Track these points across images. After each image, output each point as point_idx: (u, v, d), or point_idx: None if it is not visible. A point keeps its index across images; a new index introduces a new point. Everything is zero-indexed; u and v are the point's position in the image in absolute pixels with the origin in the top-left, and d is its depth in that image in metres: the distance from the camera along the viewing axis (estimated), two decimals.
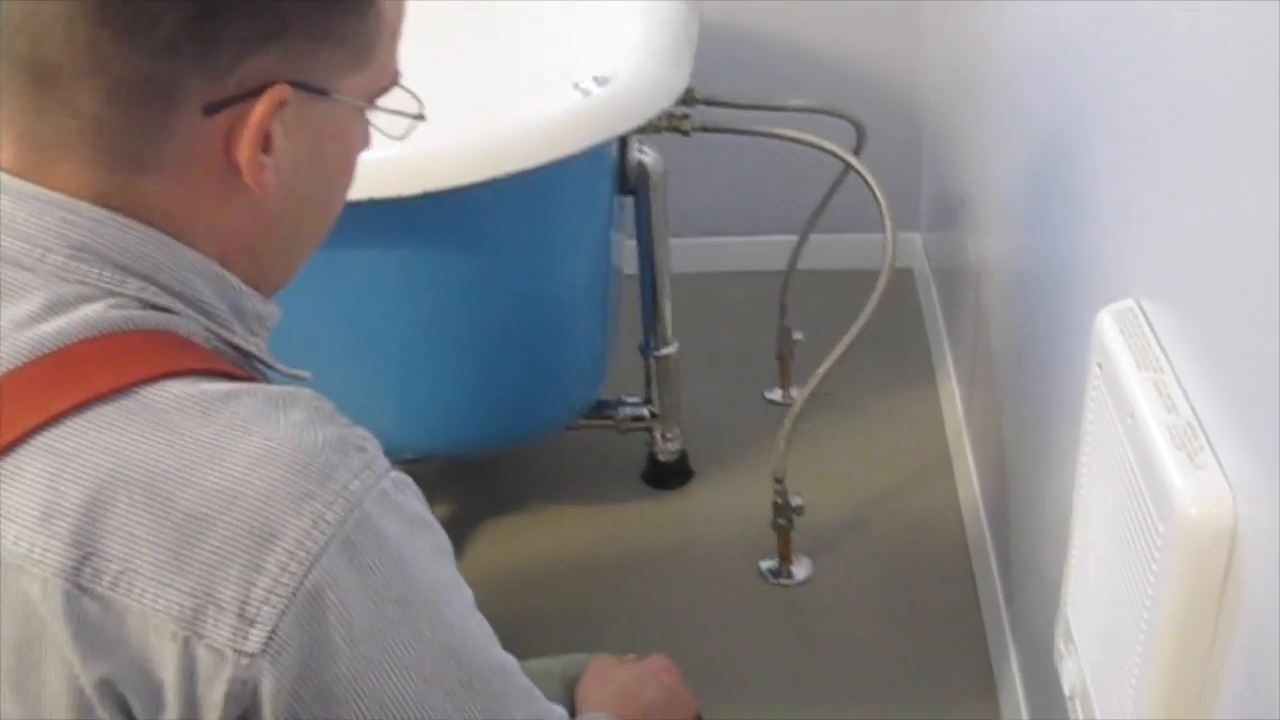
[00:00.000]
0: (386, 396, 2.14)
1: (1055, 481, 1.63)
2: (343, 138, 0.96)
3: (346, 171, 1.00)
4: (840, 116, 2.48)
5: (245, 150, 0.86)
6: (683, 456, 2.67)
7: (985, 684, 2.17)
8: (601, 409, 2.53)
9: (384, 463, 0.86)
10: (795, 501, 2.33)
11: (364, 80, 0.94)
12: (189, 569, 0.78)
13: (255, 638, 0.78)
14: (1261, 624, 0.91)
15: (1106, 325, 1.17)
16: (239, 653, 0.78)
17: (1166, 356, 1.09)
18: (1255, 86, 0.91)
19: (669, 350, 2.48)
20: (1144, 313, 1.16)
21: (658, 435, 2.60)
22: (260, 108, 0.85)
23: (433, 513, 2.66)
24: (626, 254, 2.41)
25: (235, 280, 0.93)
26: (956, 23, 2.66)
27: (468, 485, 2.70)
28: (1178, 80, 1.10)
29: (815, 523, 2.45)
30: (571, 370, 2.33)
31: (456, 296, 2.08)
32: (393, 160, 1.77)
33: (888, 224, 2.15)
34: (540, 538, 2.56)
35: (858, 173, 2.22)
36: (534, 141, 1.91)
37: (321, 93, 0.90)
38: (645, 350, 2.49)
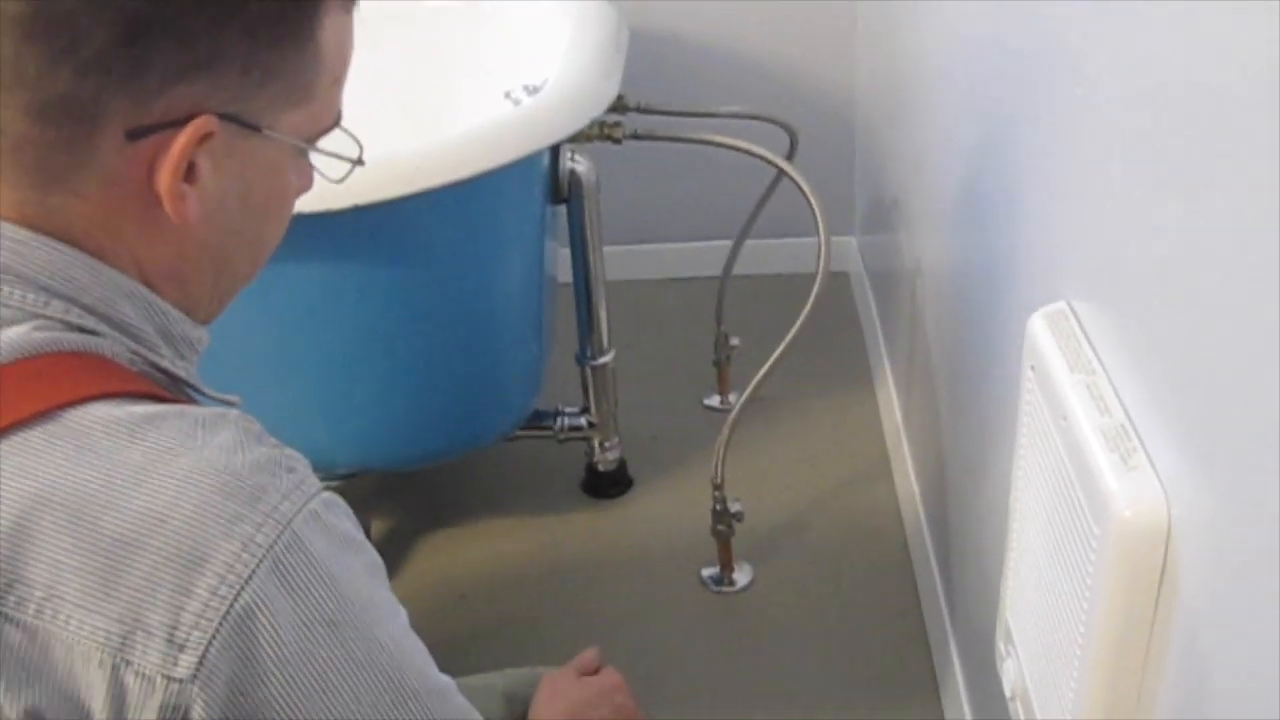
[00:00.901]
0: (322, 412, 2.13)
1: (993, 483, 1.63)
2: (275, 175, 0.94)
3: (279, 209, 0.98)
4: (772, 122, 2.49)
5: (165, 179, 0.85)
6: (622, 465, 2.67)
7: (928, 686, 2.17)
8: (539, 419, 2.51)
9: (314, 483, 0.85)
10: (735, 508, 2.33)
11: (301, 119, 0.92)
12: (116, 594, 0.77)
13: (185, 663, 0.77)
14: (1197, 624, 0.91)
15: (1038, 328, 1.17)
16: (169, 679, 0.77)
17: (1099, 358, 1.09)
18: (1181, 89, 0.91)
19: (606, 359, 2.47)
20: (1075, 315, 1.17)
21: (596, 444, 2.59)
22: (182, 138, 0.84)
23: (370, 527, 2.61)
24: (561, 263, 2.41)
25: (163, 304, 0.92)
26: (887, 27, 2.67)
27: (406, 499, 2.68)
28: (1103, 84, 1.11)
29: (756, 528, 2.45)
30: (508, 381, 2.32)
31: (390, 310, 2.06)
32: None
33: (821, 228, 2.15)
34: (480, 550, 2.55)
35: (790, 178, 2.22)
36: (465, 152, 1.90)
37: (253, 128, 0.88)
38: (582, 359, 2.47)
